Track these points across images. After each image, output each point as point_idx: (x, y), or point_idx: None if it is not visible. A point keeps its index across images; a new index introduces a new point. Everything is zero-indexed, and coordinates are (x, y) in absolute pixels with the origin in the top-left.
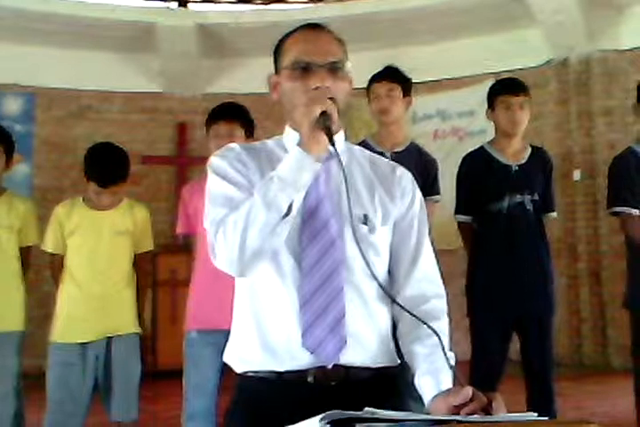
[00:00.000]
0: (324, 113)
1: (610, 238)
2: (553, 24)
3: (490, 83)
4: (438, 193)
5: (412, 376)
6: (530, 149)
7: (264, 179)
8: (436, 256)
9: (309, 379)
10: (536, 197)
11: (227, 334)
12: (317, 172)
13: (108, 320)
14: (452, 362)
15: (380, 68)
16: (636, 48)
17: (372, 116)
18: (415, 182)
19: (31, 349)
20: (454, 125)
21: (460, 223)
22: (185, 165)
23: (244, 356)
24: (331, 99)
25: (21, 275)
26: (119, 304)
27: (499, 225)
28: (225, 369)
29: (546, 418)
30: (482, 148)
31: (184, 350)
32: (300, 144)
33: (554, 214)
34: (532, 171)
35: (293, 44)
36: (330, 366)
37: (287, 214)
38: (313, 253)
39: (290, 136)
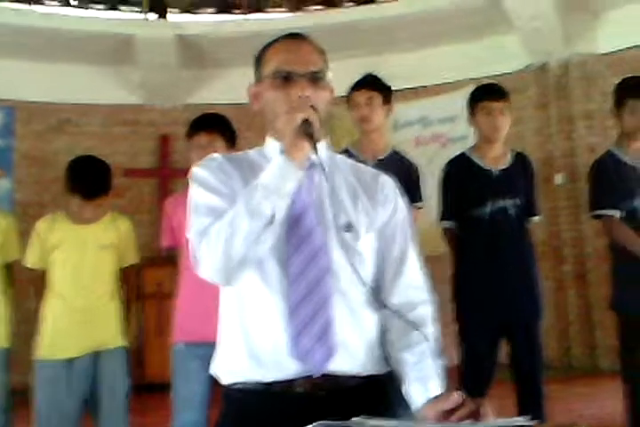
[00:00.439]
0: (306, 121)
1: (594, 241)
2: (530, 30)
3: (470, 89)
4: (421, 199)
5: (401, 384)
6: (511, 154)
7: (247, 187)
8: (421, 262)
9: (298, 389)
10: (518, 201)
11: (214, 345)
12: (300, 180)
13: (95, 334)
14: (442, 369)
15: (360, 76)
16: (612, 52)
17: (354, 124)
18: (398, 190)
19: (17, 365)
20: (436, 132)
21: (444, 229)
22: (168, 177)
23: (230, 367)
24: (312, 107)
25: (5, 291)
26: (105, 318)
27: (482, 230)
28: (214, 381)
29: (534, 422)
30: (463, 154)
31: (171, 362)
32: (283, 152)
33: (537, 218)
34: (514, 176)
35: (274, 54)
36: (318, 376)
37: (271, 222)
38: (299, 262)
39: (271, 146)
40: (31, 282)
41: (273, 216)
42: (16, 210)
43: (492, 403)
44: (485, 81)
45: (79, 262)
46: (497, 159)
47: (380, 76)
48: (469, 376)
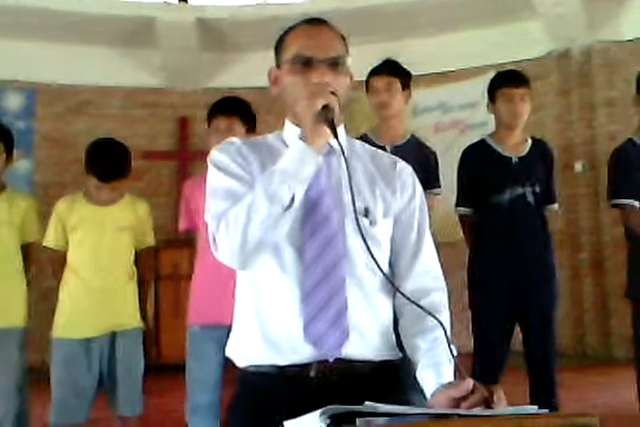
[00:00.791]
0: (325, 106)
1: (612, 229)
2: (553, 16)
3: (491, 75)
4: (439, 186)
5: (415, 369)
6: (530, 141)
7: (266, 172)
8: (436, 249)
9: (312, 374)
10: (537, 189)
11: (229, 328)
12: (319, 165)
13: (112, 315)
14: (454, 355)
15: (380, 61)
16: (636, 39)
17: (372, 109)
18: (415, 176)
19: (34, 344)
20: (455, 118)
21: (460, 216)
22: (186, 160)
23: (245, 350)
24: (332, 93)
25: (23, 271)
26: (122, 299)
27: (500, 217)
28: (228, 363)
29: (546, 411)
30: (482, 140)
31: (186, 344)
32: (302, 137)
33: (555, 206)
34: (533, 163)
35: (295, 39)
36: (332, 360)
37: (289, 207)
38: (315, 247)
39: (290, 130)
40: (50, 262)
41: (291, 201)
42: (36, 191)
43: (504, 390)
44: (507, 67)
45: (97, 243)
46: (516, 146)
47: (399, 61)
48: (482, 363)
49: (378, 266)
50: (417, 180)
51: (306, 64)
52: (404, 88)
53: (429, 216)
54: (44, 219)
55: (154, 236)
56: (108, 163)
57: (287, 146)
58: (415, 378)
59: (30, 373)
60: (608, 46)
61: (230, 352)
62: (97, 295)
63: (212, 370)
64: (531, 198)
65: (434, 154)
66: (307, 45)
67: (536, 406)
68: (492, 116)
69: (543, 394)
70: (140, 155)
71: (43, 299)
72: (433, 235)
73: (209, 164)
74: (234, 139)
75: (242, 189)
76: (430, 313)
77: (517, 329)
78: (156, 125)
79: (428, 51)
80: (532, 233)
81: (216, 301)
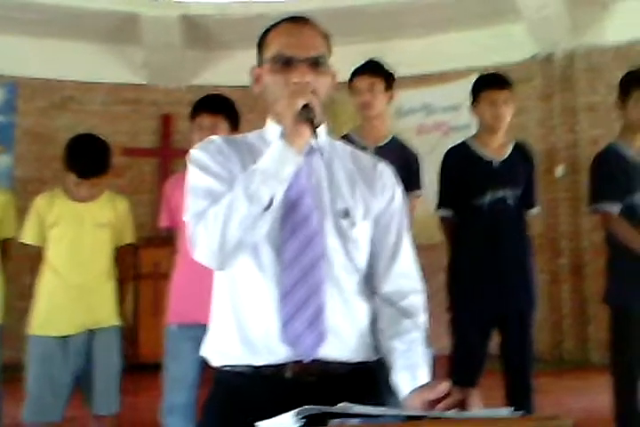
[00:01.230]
0: (306, 106)
1: (591, 235)
2: (538, 19)
3: (475, 77)
4: (420, 188)
5: (389, 372)
6: (512, 145)
7: (246, 171)
8: (416, 251)
9: (287, 374)
10: (518, 192)
11: (207, 328)
12: (299, 165)
13: (89, 313)
14: (430, 358)
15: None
16: (619, 44)
17: (355, 110)
18: (396, 178)
19: (10, 341)
20: (438, 120)
21: (441, 218)
22: (168, 157)
23: (221, 349)
24: (312, 92)
25: (0, 267)
26: (100, 296)
27: (480, 220)
28: (205, 363)
29: (519, 414)
30: (464, 142)
31: (164, 343)
32: (282, 137)
33: (536, 210)
34: (515, 166)
35: (276, 38)
36: (308, 361)
37: (269, 207)
38: (293, 247)
39: (271, 129)
40: (28, 258)
41: (271, 201)
42: (16, 186)
43: (480, 393)
44: (490, 70)
45: (76, 239)
46: (498, 149)
47: (382, 61)
48: (460, 366)
49: (355, 267)
50: (398, 181)
51: (286, 63)
52: (386, 89)
53: (410, 218)
54: (24, 214)
55: (134, 233)
56: (87, 159)
57: (268, 144)
58: (390, 381)
59: (4, 370)
60: (591, 51)
61: (206, 352)
62: (75, 292)
63: (189, 369)
64: (511, 202)
65: (416, 155)
66: (288, 44)
67: (512, 408)
68: (475, 118)
69: (519, 398)
70: (122, 151)
71: (20, 296)
72: (413, 237)
73: (189, 162)
74: (214, 137)
75: (221, 188)
76: (406, 316)
77: (495, 333)
78: (139, 122)
79: (412, 52)
80: (512, 236)
81: (194, 300)
